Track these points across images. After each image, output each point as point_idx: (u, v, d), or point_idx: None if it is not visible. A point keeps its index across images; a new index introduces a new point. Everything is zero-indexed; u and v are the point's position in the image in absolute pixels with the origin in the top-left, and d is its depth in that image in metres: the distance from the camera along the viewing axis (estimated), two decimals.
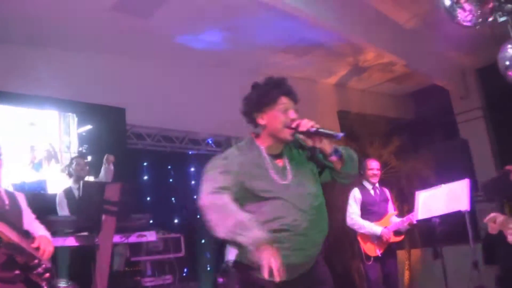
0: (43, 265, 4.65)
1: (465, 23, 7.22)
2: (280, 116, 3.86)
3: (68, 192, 8.09)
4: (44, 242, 4.75)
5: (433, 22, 10.32)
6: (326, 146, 3.86)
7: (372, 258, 8.09)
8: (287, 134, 3.87)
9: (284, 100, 3.91)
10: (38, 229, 5.01)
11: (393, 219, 8.30)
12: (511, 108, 10.88)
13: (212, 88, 11.55)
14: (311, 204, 3.85)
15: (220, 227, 3.51)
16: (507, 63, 7.96)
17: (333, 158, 3.90)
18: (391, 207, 8.58)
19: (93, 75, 9.80)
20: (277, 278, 3.22)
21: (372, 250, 8.11)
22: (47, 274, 4.66)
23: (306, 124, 3.80)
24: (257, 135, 4.05)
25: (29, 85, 8.94)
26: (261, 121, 3.95)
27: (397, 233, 8.24)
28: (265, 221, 3.62)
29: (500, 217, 3.77)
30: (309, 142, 3.88)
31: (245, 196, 3.75)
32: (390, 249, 8.23)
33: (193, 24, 10.01)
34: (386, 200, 8.57)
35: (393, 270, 8.28)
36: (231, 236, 3.43)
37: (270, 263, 3.22)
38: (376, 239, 8.09)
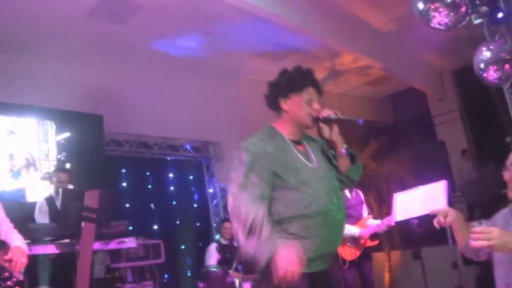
0: (14, 278, 4.59)
1: (440, 27, 7.26)
2: (304, 105, 3.94)
3: (49, 200, 8.06)
4: (17, 254, 4.66)
5: (410, 26, 10.36)
6: (340, 141, 4.06)
7: (348, 262, 8.11)
8: (308, 121, 3.95)
9: (311, 90, 3.99)
10: (14, 239, 4.92)
11: (369, 222, 8.32)
12: (488, 109, 10.95)
13: (189, 93, 11.56)
14: (335, 189, 3.96)
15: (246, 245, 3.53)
16: (482, 65, 8.03)
17: (343, 154, 4.08)
18: (365, 210, 8.60)
19: (70, 82, 9.78)
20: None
21: (349, 254, 8.10)
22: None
23: (327, 111, 3.97)
24: (277, 123, 4.06)
25: (7, 93, 8.91)
26: (285, 106, 3.99)
27: (373, 237, 8.26)
28: (299, 208, 3.67)
29: (452, 213, 3.82)
30: (326, 133, 4.02)
31: (276, 184, 3.73)
32: (365, 252, 8.25)
33: (170, 30, 10.01)
34: (361, 203, 8.58)
35: (369, 272, 8.28)
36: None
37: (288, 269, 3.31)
38: (353, 242, 8.09)
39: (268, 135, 3.94)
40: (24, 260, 4.71)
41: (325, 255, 3.77)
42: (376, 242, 8.33)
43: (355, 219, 8.24)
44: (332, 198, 3.83)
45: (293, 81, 4.00)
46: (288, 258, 3.35)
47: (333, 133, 4.02)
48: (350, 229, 8.02)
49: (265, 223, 3.51)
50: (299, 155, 3.88)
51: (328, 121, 3.99)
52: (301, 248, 3.44)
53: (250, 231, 3.50)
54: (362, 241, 8.04)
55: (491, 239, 3.03)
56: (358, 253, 8.07)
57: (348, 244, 8.09)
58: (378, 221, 8.20)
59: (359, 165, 4.23)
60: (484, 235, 3.05)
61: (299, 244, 3.49)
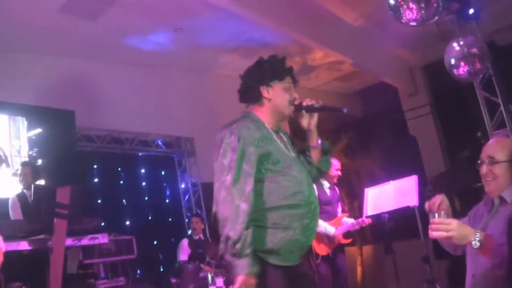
0: None
1: (410, 23, 7.32)
2: (285, 93, 3.95)
3: (21, 197, 8.04)
4: None
5: (381, 21, 10.42)
6: (316, 133, 4.08)
7: (320, 257, 8.15)
8: (289, 109, 3.97)
9: (289, 80, 4.01)
10: None
11: (344, 220, 8.37)
12: (458, 104, 11.05)
13: (161, 89, 11.55)
14: (311, 181, 3.97)
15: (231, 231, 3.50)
16: (453, 61, 8.11)
17: (318, 145, 4.09)
18: (339, 207, 8.64)
19: (41, 78, 9.72)
20: None
21: (322, 249, 8.15)
22: None
23: (307, 100, 3.99)
24: (257, 110, 4.04)
25: None
26: (267, 94, 3.97)
27: (346, 235, 8.32)
28: (286, 197, 3.70)
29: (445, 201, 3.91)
30: (304, 123, 4.03)
31: (264, 173, 3.74)
32: (338, 248, 8.29)
33: (141, 26, 10.00)
34: (339, 200, 8.63)
35: (343, 266, 8.33)
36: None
37: None
38: (327, 239, 8.14)
39: (252, 122, 3.90)
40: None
41: (303, 247, 3.80)
42: (349, 240, 8.40)
43: (331, 216, 8.28)
44: (312, 190, 3.88)
45: (275, 70, 4.03)
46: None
47: (312, 123, 4.04)
48: (327, 228, 8.06)
49: (248, 242, 3.49)
50: (281, 144, 3.90)
51: (311, 109, 4.02)
52: (283, 238, 3.60)
53: (234, 246, 3.47)
54: (336, 241, 8.11)
55: (450, 230, 3.09)
56: (331, 249, 8.13)
57: (322, 239, 8.14)
58: (352, 220, 8.28)
59: (329, 158, 4.29)
60: (443, 226, 3.11)
61: (281, 234, 3.61)
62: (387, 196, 7.89)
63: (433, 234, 3.13)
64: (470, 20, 8.34)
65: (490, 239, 3.15)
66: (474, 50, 8.05)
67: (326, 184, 8.36)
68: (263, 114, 3.98)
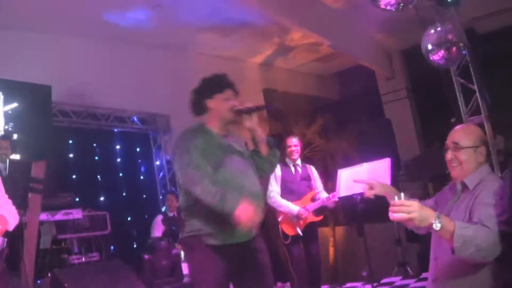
0: None
1: (388, 8, 7.36)
2: (225, 102, 4.75)
3: None
4: None
5: (360, 4, 10.42)
6: (260, 129, 4.89)
7: (290, 237, 8.21)
8: (230, 115, 4.76)
9: (229, 91, 4.81)
10: (4, 211, 4.96)
11: (312, 198, 8.43)
12: (434, 89, 11.10)
13: (138, 65, 11.50)
14: (254, 176, 4.83)
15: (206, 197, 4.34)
16: (430, 47, 8.16)
17: (263, 141, 4.89)
18: (315, 186, 8.68)
19: (18, 52, 9.65)
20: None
21: (290, 229, 8.22)
22: None
23: (243, 104, 4.77)
24: (206, 121, 4.87)
25: None
26: (211, 105, 4.79)
27: (317, 212, 8.37)
28: (226, 187, 4.40)
29: (378, 187, 4.12)
30: (248, 123, 4.79)
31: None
32: (311, 228, 8.34)
33: (121, 1, 9.95)
34: (308, 179, 8.66)
35: (315, 248, 8.39)
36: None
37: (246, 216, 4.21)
38: (294, 218, 8.20)
39: (198, 130, 4.77)
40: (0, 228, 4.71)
41: (237, 228, 4.33)
42: (320, 218, 8.45)
43: (299, 195, 8.34)
44: (248, 179, 4.70)
45: (215, 84, 4.86)
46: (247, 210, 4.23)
47: (253, 122, 4.79)
48: (289, 206, 8.15)
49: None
50: (223, 145, 4.73)
51: (248, 111, 4.78)
52: (226, 222, 4.28)
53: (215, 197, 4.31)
54: (303, 218, 8.16)
55: (411, 212, 3.11)
56: (301, 228, 8.18)
57: (291, 219, 8.19)
58: (317, 199, 8.35)
59: (276, 150, 5.06)
60: (404, 208, 3.13)
61: (216, 219, 4.37)
62: (360, 177, 7.92)
63: (393, 216, 3.16)
64: (449, 6, 8.37)
65: (450, 222, 3.19)
66: (451, 37, 8.10)
67: (289, 163, 8.48)
68: (211, 122, 4.84)
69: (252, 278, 4.63)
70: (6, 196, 5.15)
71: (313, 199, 8.39)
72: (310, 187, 8.60)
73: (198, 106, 4.86)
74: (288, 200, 8.23)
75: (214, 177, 4.47)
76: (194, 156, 4.49)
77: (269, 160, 4.99)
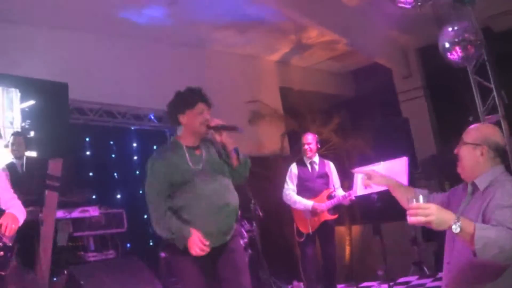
0: (0, 243, 4.61)
1: (405, 6, 7.33)
2: (197, 117, 4.99)
3: (10, 167, 8.02)
4: (7, 219, 4.72)
5: (376, 1, 10.41)
6: (230, 144, 5.09)
7: (305, 235, 8.19)
8: (201, 129, 5.01)
9: (201, 105, 5.02)
10: (11, 207, 4.97)
11: (328, 196, 8.39)
12: (451, 88, 11.04)
13: (154, 63, 11.51)
14: (222, 184, 5.07)
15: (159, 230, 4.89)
16: (447, 45, 8.13)
17: (233, 154, 5.11)
18: (332, 183, 8.64)
19: (35, 49, 9.69)
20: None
21: (305, 226, 8.20)
22: (1, 252, 4.61)
23: (215, 121, 5.01)
24: (179, 136, 5.19)
25: None
26: (183, 120, 5.05)
27: (332, 210, 8.34)
28: (188, 200, 4.86)
29: (377, 177, 4.16)
30: (218, 137, 5.05)
31: (173, 183, 4.89)
32: (327, 227, 8.32)
33: None
34: (325, 176, 8.62)
35: (331, 248, 8.37)
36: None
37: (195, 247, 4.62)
38: (310, 215, 8.17)
39: (171, 146, 5.18)
40: (13, 226, 4.73)
41: (211, 235, 4.78)
42: (335, 216, 8.42)
43: (315, 192, 8.32)
44: (216, 192, 4.96)
45: (186, 100, 5.08)
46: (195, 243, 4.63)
47: (223, 137, 5.04)
48: (303, 202, 8.14)
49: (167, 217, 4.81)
50: (188, 158, 4.98)
51: (215, 128, 5.02)
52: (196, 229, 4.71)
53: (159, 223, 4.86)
54: (318, 214, 8.14)
55: (428, 215, 3.01)
56: (315, 226, 8.16)
57: (305, 217, 8.17)
58: (334, 197, 8.32)
59: (246, 161, 5.29)
60: (421, 211, 3.03)
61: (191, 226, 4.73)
62: None
63: (411, 219, 3.07)
64: (465, 4, 8.34)
65: (470, 224, 3.07)
66: (469, 35, 8.07)
67: (306, 161, 8.44)
68: (183, 136, 5.14)
69: (227, 278, 4.95)
70: (12, 191, 5.18)
71: (329, 197, 8.36)
72: (327, 185, 8.56)
73: (172, 120, 5.15)
74: (304, 197, 8.22)
75: (180, 193, 4.88)
76: (150, 179, 4.97)
77: (238, 172, 5.24)
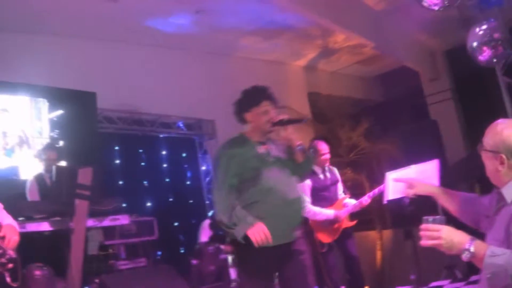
0: (7, 256, 4.55)
1: (432, 7, 7.29)
2: (262, 115, 5.01)
3: (39, 178, 8.07)
4: (9, 231, 4.66)
5: (402, 4, 10.37)
6: (295, 139, 5.08)
7: (327, 245, 8.13)
8: (267, 126, 5.01)
9: (266, 103, 5.04)
10: (5, 218, 4.92)
11: (347, 202, 8.33)
12: (479, 89, 10.97)
13: (182, 71, 11.58)
14: (291, 179, 5.09)
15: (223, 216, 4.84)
16: (475, 45, 8.08)
17: (298, 150, 5.10)
18: (340, 189, 8.59)
19: (63, 59, 9.76)
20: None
21: (326, 237, 8.14)
22: (10, 265, 4.55)
23: (280, 116, 5.01)
24: (245, 132, 5.15)
25: (0, 71, 8.90)
26: (249, 118, 5.08)
27: (351, 217, 8.29)
28: (259, 196, 4.83)
29: (419, 186, 4.00)
30: (283, 133, 5.04)
31: (244, 178, 4.87)
32: (346, 233, 8.26)
33: (162, 7, 10.00)
34: (336, 183, 8.54)
35: (353, 251, 8.30)
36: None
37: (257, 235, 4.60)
38: (329, 224, 8.11)
39: (238, 139, 5.11)
40: (16, 238, 4.70)
41: (278, 231, 4.74)
42: (354, 222, 8.33)
43: (331, 200, 8.23)
44: (284, 185, 4.96)
45: (251, 98, 5.10)
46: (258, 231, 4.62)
47: (288, 132, 5.04)
48: (322, 212, 8.04)
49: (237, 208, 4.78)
50: (261, 154, 4.99)
51: (281, 123, 5.01)
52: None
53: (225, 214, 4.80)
54: (338, 223, 8.09)
55: (436, 238, 2.84)
56: (336, 235, 8.10)
57: (326, 227, 8.11)
58: (354, 201, 8.25)
59: (311, 157, 5.51)
60: (429, 233, 2.87)
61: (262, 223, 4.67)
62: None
63: (421, 241, 2.92)
64: (492, 5, 8.29)
65: (482, 249, 2.80)
66: (497, 35, 8.01)
67: (318, 170, 8.31)
68: (250, 131, 5.14)
69: (292, 278, 4.92)
70: None
71: (344, 204, 8.32)
72: (340, 190, 8.53)
73: (239, 117, 5.16)
74: (321, 207, 8.15)
75: (249, 188, 4.86)
76: (222, 172, 4.91)
77: (301, 167, 5.22)
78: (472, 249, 2.79)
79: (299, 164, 5.16)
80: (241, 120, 5.16)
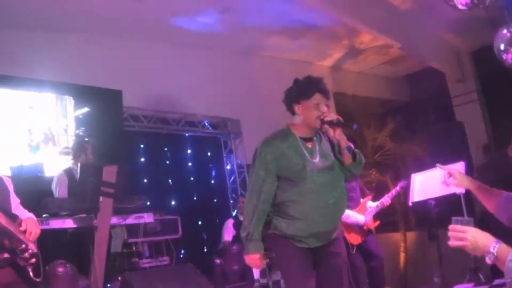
0: (30, 250, 4.55)
1: (460, 6, 7.25)
2: (312, 109, 4.73)
3: (69, 172, 8.05)
4: (31, 224, 4.64)
5: (428, 4, 10.33)
6: (343, 140, 4.75)
7: (355, 247, 8.13)
8: (317, 123, 4.73)
9: (317, 96, 4.76)
10: (23, 213, 4.95)
11: (369, 204, 8.34)
12: (506, 91, 10.90)
13: (207, 69, 11.58)
14: (335, 179, 4.84)
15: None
16: (502, 47, 8.02)
17: (346, 152, 4.78)
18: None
19: (89, 57, 9.80)
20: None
21: (355, 238, 8.13)
22: (33, 260, 4.54)
23: (332, 116, 4.68)
24: (293, 124, 4.90)
25: (26, 68, 8.93)
26: (298, 110, 4.82)
27: (374, 218, 8.31)
28: (297, 195, 4.64)
29: (458, 177, 3.79)
30: (331, 133, 4.70)
31: (282, 175, 4.72)
32: (370, 234, 8.27)
33: (188, 6, 10.02)
34: (358, 184, 8.61)
35: (377, 251, 8.28)
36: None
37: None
38: (357, 227, 8.12)
39: (282, 134, 4.85)
40: (37, 231, 4.71)
41: (316, 234, 4.68)
42: (377, 223, 8.39)
43: (357, 201, 8.26)
44: (326, 187, 4.73)
45: (302, 90, 4.83)
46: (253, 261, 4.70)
47: (336, 134, 4.69)
48: (357, 217, 8.06)
49: (256, 228, 4.69)
50: (305, 152, 4.74)
51: (331, 123, 4.67)
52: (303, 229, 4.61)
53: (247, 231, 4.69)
54: (366, 228, 8.12)
55: (462, 239, 2.81)
56: (364, 237, 8.12)
57: (354, 228, 8.12)
58: (375, 204, 8.27)
59: (360, 160, 4.95)
60: (455, 234, 2.85)
61: (295, 224, 4.63)
62: (434, 182, 7.82)
63: (449, 242, 2.88)
64: None
65: (505, 253, 2.76)
66: None
67: None
68: (297, 125, 4.87)
69: (326, 282, 4.75)
70: (14, 194, 5.11)
71: (367, 207, 8.33)
72: (362, 192, 8.55)
73: (288, 107, 4.92)
74: (348, 207, 8.14)
75: (288, 186, 4.69)
76: (259, 166, 4.75)
77: (349, 170, 4.92)
78: (495, 252, 2.75)
79: (347, 167, 4.89)
80: (291, 110, 4.90)
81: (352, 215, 8.04)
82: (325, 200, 4.66)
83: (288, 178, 4.69)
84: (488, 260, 2.77)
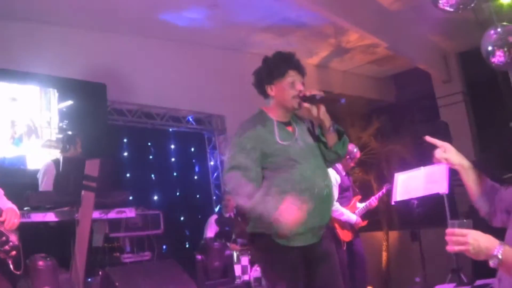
0: (11, 243, 4.53)
1: (447, 8, 7.25)
2: (287, 88, 4.34)
3: (57, 164, 7.97)
4: (10, 214, 4.64)
5: (417, 5, 10.33)
6: (327, 119, 4.37)
7: (345, 244, 8.15)
8: (294, 103, 4.35)
9: (292, 73, 4.35)
10: (5, 203, 4.91)
11: (357, 205, 8.40)
12: (491, 93, 10.92)
13: (193, 65, 11.55)
14: (321, 167, 4.45)
15: (240, 199, 4.16)
16: (490, 48, 8.02)
17: (331, 131, 4.40)
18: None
19: (74, 50, 9.74)
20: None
21: (347, 235, 8.17)
22: (14, 252, 4.52)
23: (313, 90, 4.32)
24: (267, 108, 4.50)
25: (10, 60, 8.86)
26: (271, 92, 4.42)
27: (363, 217, 8.36)
28: (288, 185, 4.14)
29: (452, 152, 3.57)
30: (315, 112, 4.32)
31: (266, 165, 4.27)
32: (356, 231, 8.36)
33: (176, 1, 9.97)
34: (351, 183, 8.69)
35: (361, 250, 8.35)
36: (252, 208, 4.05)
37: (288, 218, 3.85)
38: (349, 225, 8.16)
39: (259, 119, 4.43)
40: (16, 221, 4.67)
41: (313, 229, 4.24)
42: (366, 222, 8.47)
43: (349, 200, 8.37)
44: (318, 175, 4.32)
45: (274, 68, 4.40)
46: (290, 210, 3.86)
47: (321, 112, 4.32)
48: (349, 216, 8.10)
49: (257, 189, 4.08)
50: (282, 138, 4.31)
51: (313, 100, 4.31)
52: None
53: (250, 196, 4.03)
54: (356, 227, 8.17)
55: (463, 244, 2.68)
56: (354, 235, 8.19)
57: (346, 226, 8.16)
58: (362, 205, 8.35)
59: (346, 140, 4.55)
60: (455, 239, 2.70)
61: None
62: (417, 182, 7.87)
63: (448, 247, 2.75)
64: (506, 8, 8.25)
65: (510, 254, 2.65)
66: None
67: (342, 170, 8.34)
68: (272, 109, 4.47)
69: (320, 281, 4.30)
70: None
71: (356, 206, 8.37)
72: (354, 191, 8.59)
73: (260, 90, 4.53)
74: (341, 205, 8.17)
75: (271, 175, 4.24)
76: (238, 153, 4.25)
77: (335, 152, 4.48)
78: (500, 255, 2.64)
79: (333, 148, 4.46)
80: (263, 93, 4.49)
81: (345, 213, 8.11)
82: (313, 187, 4.20)
83: (269, 166, 4.26)
84: (492, 264, 2.66)
